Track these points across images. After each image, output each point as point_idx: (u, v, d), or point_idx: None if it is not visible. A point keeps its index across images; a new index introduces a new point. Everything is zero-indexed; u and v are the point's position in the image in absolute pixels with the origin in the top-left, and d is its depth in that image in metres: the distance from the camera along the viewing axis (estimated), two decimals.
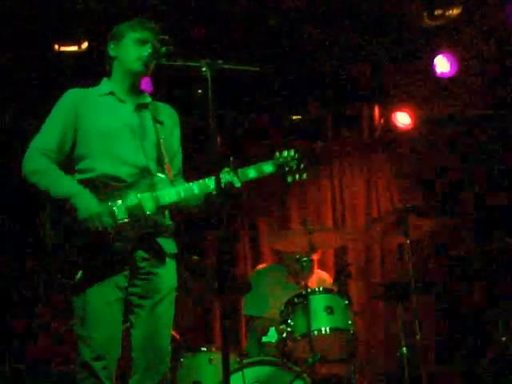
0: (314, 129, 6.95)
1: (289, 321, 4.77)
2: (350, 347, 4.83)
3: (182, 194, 3.37)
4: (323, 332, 4.68)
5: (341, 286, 5.12)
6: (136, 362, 3.35)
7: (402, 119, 6.88)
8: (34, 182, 3.30)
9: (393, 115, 6.89)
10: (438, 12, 5.77)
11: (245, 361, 4.58)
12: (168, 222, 3.46)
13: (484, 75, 6.30)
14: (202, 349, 4.82)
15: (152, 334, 3.34)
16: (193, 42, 5.51)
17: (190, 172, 3.66)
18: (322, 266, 6.10)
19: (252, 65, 3.28)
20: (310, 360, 4.55)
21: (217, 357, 4.61)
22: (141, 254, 3.34)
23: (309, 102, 6.78)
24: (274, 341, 5.02)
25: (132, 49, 3.46)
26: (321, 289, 4.89)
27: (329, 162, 7.10)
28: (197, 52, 3.18)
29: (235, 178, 3.43)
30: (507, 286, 6.21)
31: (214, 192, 3.23)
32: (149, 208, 3.30)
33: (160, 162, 3.46)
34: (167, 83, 5.52)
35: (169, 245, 3.44)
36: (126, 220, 3.25)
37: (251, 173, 3.51)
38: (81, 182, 3.32)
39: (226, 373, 2.85)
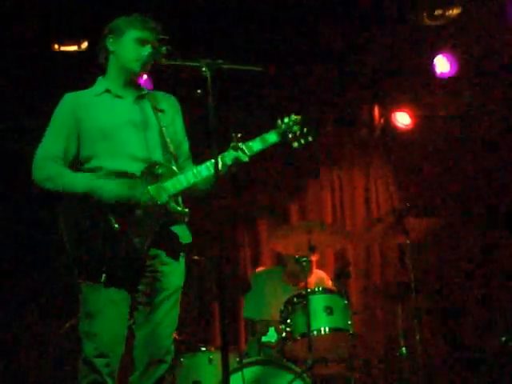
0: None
1: (288, 321, 4.76)
2: (350, 347, 4.83)
3: (192, 180, 3.37)
4: (323, 332, 4.67)
5: (340, 286, 5.11)
6: (137, 360, 3.35)
7: (402, 119, 6.89)
8: (50, 187, 3.32)
9: (393, 115, 6.89)
10: (438, 12, 5.78)
11: (244, 361, 4.58)
12: (182, 208, 3.42)
13: (484, 75, 6.30)
14: (202, 349, 4.82)
15: (154, 332, 3.34)
16: (193, 42, 5.51)
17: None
18: (322, 266, 6.09)
19: (252, 65, 3.28)
20: (310, 361, 4.55)
21: (216, 357, 4.60)
22: (152, 251, 3.33)
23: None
24: (273, 341, 5.02)
25: (132, 48, 3.46)
26: (320, 289, 4.89)
27: (329, 162, 7.10)
28: (197, 52, 3.18)
29: (241, 154, 3.42)
30: (507, 286, 6.21)
31: (223, 170, 3.27)
32: (160, 198, 3.30)
33: (167, 150, 3.46)
34: (167, 83, 5.51)
35: (184, 232, 3.45)
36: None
37: (256, 145, 3.51)
38: None
39: (226, 373, 2.85)
